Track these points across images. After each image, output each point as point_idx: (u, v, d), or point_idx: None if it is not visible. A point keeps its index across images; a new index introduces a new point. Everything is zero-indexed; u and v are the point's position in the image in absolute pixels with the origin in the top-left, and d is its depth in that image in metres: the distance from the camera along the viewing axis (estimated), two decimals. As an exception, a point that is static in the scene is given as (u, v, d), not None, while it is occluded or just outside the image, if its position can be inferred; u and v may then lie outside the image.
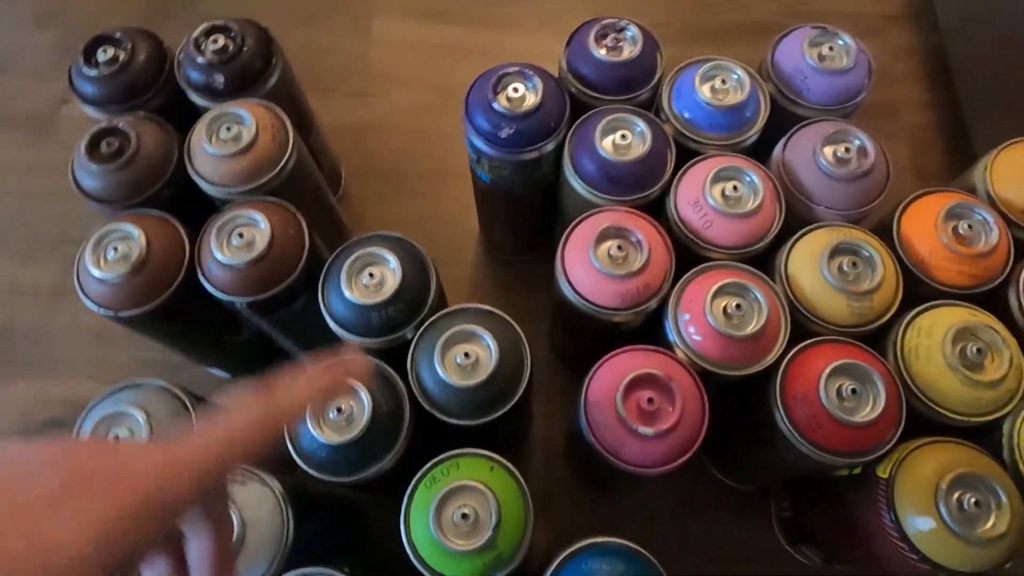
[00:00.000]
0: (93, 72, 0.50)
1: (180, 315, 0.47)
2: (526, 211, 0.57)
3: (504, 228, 0.61)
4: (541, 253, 0.66)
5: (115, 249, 0.45)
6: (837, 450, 0.40)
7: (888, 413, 0.40)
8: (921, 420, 0.41)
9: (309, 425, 0.40)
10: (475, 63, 0.78)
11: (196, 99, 0.51)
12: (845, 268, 0.43)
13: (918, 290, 0.44)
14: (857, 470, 0.43)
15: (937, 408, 0.41)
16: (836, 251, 0.43)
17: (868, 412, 0.40)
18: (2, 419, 0.63)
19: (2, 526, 0.22)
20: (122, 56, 0.50)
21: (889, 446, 0.40)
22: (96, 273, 0.44)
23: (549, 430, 0.61)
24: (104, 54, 0.50)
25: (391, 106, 0.77)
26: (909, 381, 0.42)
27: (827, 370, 0.40)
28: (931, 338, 0.42)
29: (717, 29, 0.80)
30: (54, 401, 0.64)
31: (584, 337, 0.49)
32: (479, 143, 0.49)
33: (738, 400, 0.46)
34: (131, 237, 0.45)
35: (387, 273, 0.44)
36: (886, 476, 0.40)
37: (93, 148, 0.47)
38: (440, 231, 0.70)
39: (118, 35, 0.51)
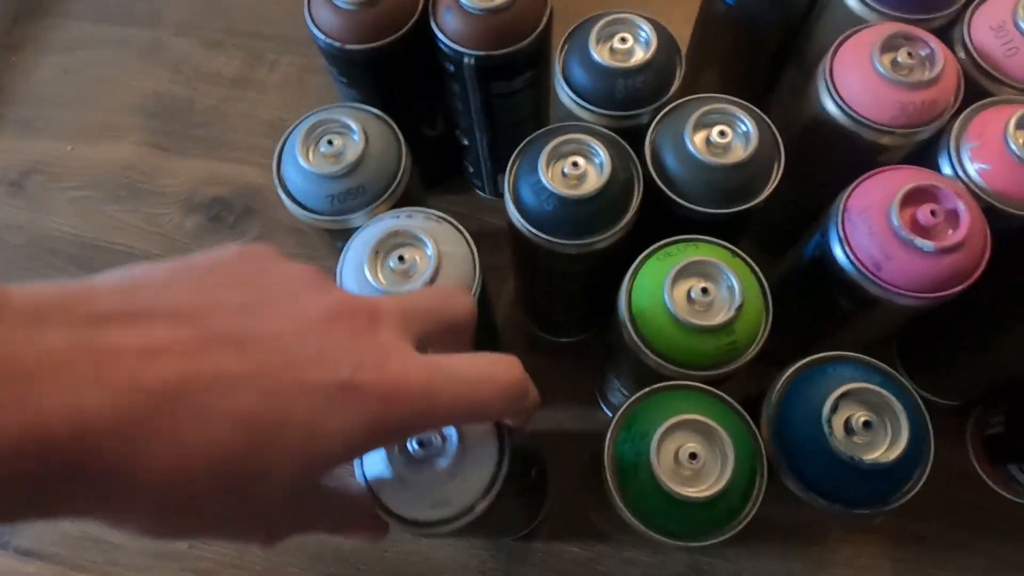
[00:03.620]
0: None
1: (399, 66, 0.45)
2: (757, 46, 0.52)
3: (720, 70, 0.56)
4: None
5: (356, -24, 0.42)
6: None
7: None
8: None
9: (540, 173, 0.37)
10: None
11: None
12: None
13: None
14: None
15: None
16: None
17: None
18: (174, 189, 0.63)
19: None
20: None
21: None
22: (334, -1, 0.42)
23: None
24: None
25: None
26: None
27: None
28: None
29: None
30: (222, 181, 0.63)
31: (827, 170, 0.43)
32: (743, -54, 0.44)
33: (1008, 260, 0.40)
34: (373, -32, 0.42)
35: (637, 45, 0.40)
36: None
37: None
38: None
39: None
